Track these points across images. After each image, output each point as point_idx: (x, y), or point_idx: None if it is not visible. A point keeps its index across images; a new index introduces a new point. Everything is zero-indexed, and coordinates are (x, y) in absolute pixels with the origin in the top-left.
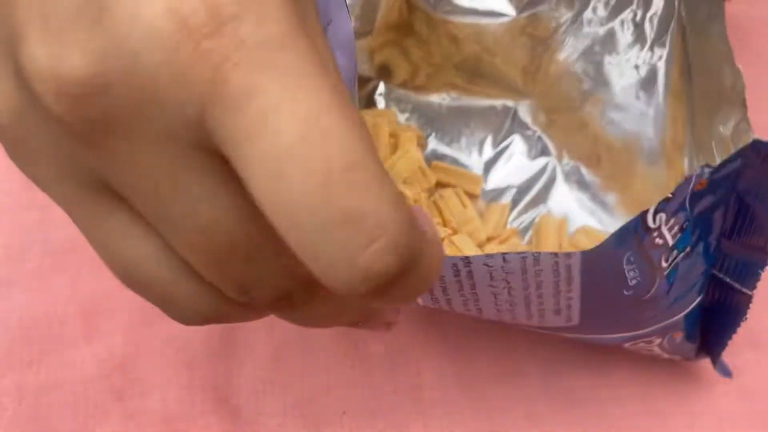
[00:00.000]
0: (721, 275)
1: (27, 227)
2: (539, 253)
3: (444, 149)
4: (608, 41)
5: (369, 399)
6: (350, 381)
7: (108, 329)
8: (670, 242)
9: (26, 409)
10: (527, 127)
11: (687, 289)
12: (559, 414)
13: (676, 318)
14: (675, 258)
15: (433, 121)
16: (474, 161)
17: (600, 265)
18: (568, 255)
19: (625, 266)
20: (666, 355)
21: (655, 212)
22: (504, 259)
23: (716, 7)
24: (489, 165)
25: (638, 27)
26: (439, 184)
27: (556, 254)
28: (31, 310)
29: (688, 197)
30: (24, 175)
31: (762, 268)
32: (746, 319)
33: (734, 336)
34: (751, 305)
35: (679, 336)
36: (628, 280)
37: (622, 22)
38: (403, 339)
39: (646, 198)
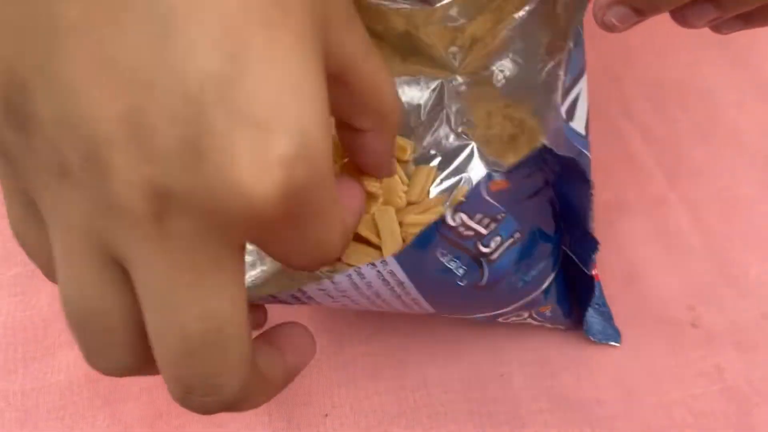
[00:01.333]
0: (569, 252)
1: (10, 234)
2: (360, 267)
3: None
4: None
5: (352, 400)
6: (333, 382)
7: None
8: (484, 231)
9: (12, 414)
10: (453, 102)
11: (536, 269)
12: (542, 415)
13: (534, 295)
14: (501, 244)
15: None
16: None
17: (419, 263)
18: (384, 262)
19: (441, 259)
20: (549, 325)
21: (453, 213)
22: (333, 281)
23: None
24: (416, 136)
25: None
26: None
27: (374, 264)
28: (15, 315)
29: (484, 195)
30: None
31: (593, 251)
32: (594, 297)
33: (719, 331)
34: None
35: (547, 310)
36: (455, 271)
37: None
38: (386, 340)
39: None
